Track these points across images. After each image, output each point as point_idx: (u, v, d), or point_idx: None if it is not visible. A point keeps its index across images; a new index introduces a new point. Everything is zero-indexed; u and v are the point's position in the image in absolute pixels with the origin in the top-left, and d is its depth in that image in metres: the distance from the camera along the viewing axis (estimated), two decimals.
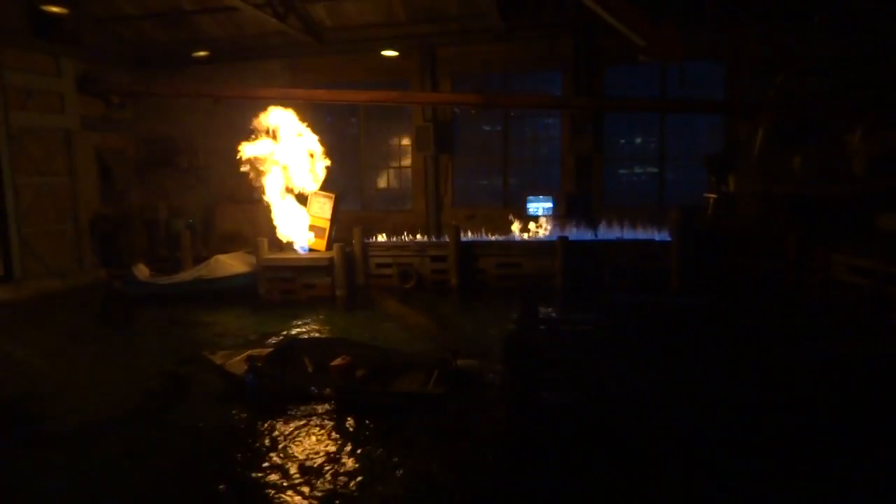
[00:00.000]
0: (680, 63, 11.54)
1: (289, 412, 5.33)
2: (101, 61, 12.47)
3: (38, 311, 9.92)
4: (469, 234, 11.35)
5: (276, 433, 4.96)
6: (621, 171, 12.88)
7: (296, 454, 4.59)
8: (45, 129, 11.10)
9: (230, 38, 12.57)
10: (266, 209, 11.24)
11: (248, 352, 6.86)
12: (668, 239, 10.29)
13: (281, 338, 7.81)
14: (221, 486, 4.24)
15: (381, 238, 11.39)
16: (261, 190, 10.81)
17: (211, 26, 12.30)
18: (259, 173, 10.71)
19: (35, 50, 10.87)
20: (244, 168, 10.60)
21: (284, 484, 4.17)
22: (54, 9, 10.68)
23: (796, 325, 5.26)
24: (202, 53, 12.93)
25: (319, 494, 4.02)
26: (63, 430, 5.18)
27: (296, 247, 10.93)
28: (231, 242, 12.85)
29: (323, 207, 11.03)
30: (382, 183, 13.93)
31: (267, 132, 10.70)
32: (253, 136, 10.65)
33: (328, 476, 4.26)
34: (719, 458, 4.24)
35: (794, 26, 10.24)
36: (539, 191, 12.21)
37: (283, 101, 11.55)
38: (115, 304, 9.84)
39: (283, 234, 10.90)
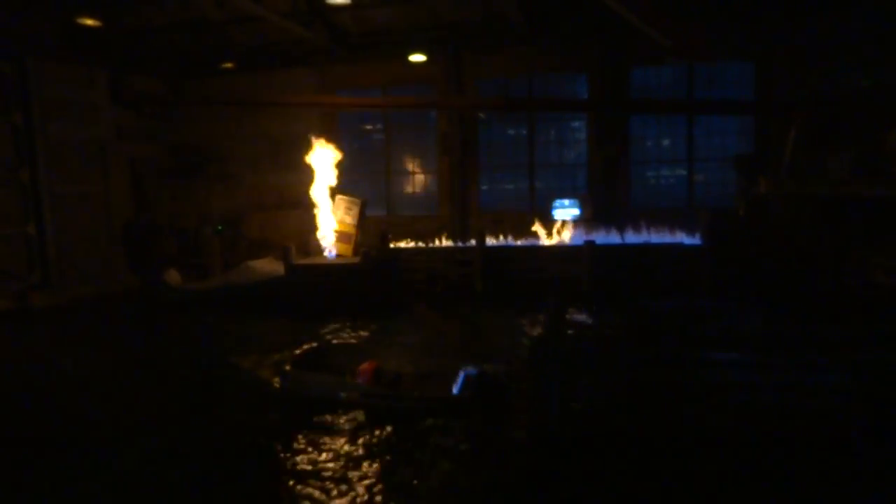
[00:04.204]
0: (708, 62, 11.38)
1: (316, 417, 5.36)
2: (133, 72, 12.77)
3: (73, 317, 10.16)
4: (495, 238, 11.32)
5: (304, 439, 4.98)
6: (649, 174, 12.73)
7: (323, 460, 4.61)
8: (80, 140, 11.39)
9: (257, 46, 12.76)
10: (293, 216, 11.37)
11: (277, 356, 6.94)
12: (698, 242, 10.12)
13: (309, 343, 7.86)
14: (246, 495, 4.26)
15: (407, 243, 11.41)
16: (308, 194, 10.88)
17: (238, 36, 12.50)
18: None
19: (70, 62, 11.17)
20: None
21: (313, 493, 4.18)
22: (89, 21, 10.96)
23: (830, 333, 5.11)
24: (229, 65, 13.18)
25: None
26: (93, 431, 5.28)
27: (325, 252, 11.02)
28: (259, 249, 13.03)
29: (349, 212, 11.10)
30: (408, 188, 13.98)
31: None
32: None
33: (355, 483, 4.26)
34: (750, 464, 4.14)
35: (827, 21, 10.01)
36: (565, 194, 12.13)
37: (310, 108, 11.71)
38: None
39: (321, 238, 10.98)
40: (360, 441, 4.90)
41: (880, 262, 8.03)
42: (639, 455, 4.38)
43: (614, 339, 4.99)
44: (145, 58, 12.96)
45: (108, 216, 11.98)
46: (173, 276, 11.90)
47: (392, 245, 11.10)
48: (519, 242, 11.25)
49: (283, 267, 10.75)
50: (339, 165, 10.97)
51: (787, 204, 9.77)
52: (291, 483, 4.27)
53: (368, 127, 13.98)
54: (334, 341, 8.14)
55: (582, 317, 8.63)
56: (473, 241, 10.86)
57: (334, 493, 4.10)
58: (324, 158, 10.78)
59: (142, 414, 5.73)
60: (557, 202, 11.84)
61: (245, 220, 13.93)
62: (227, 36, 12.58)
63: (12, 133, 10.34)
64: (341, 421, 5.28)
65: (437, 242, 11.54)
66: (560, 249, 10.78)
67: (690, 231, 10.57)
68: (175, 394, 6.34)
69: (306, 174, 10.94)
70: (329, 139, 11.09)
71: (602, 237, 10.87)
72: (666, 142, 12.60)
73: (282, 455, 4.74)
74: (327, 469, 4.43)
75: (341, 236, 11.06)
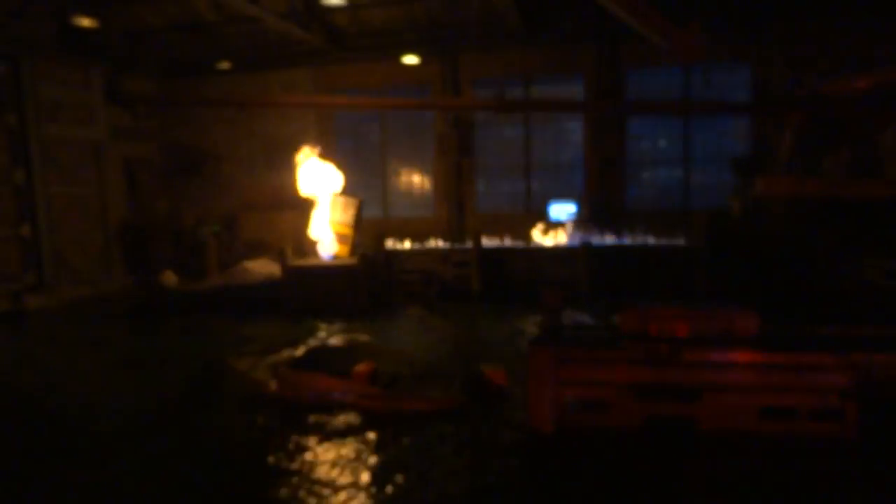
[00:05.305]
0: (704, 63, 11.39)
1: (311, 419, 5.33)
2: (128, 72, 12.73)
3: (68, 318, 10.11)
4: (492, 239, 11.31)
5: (299, 442, 4.96)
6: (645, 175, 12.75)
7: (318, 464, 4.58)
8: (75, 140, 11.35)
9: (253, 47, 12.75)
10: (289, 217, 11.35)
11: (273, 358, 6.91)
12: (695, 243, 10.12)
13: (305, 344, 7.84)
14: (241, 497, 4.23)
15: (404, 244, 11.39)
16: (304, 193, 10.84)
17: (234, 36, 12.49)
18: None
19: (65, 62, 11.13)
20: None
21: (309, 495, 4.16)
22: (85, 22, 10.92)
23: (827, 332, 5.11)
24: (224, 66, 13.15)
25: None
26: (87, 434, 5.25)
27: (321, 253, 10.99)
28: (255, 250, 13.00)
29: (346, 213, 11.08)
30: (405, 189, 13.97)
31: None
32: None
33: (350, 486, 4.24)
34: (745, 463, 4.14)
35: (824, 22, 10.04)
36: (562, 195, 12.14)
37: (306, 108, 11.71)
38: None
39: (315, 239, 10.95)
40: (357, 443, 4.88)
41: (877, 262, 8.04)
42: (636, 455, 4.37)
43: (611, 340, 4.98)
44: (141, 58, 12.92)
45: (103, 217, 11.93)
46: (169, 278, 11.86)
47: (389, 246, 11.08)
48: (515, 243, 11.25)
49: (279, 268, 10.71)
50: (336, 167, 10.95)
51: (784, 205, 9.79)
52: (286, 485, 4.24)
53: (365, 128, 13.96)
54: (330, 342, 8.11)
55: (579, 317, 8.62)
56: (470, 242, 10.85)
57: (329, 495, 4.08)
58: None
59: (136, 415, 5.70)
60: (554, 203, 11.85)
61: (241, 221, 13.89)
62: (223, 36, 12.56)
63: (6, 133, 10.29)
64: (337, 423, 5.25)
65: (433, 243, 11.53)
66: (557, 250, 10.78)
67: (687, 232, 10.59)
68: (170, 395, 6.30)
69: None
70: (325, 140, 11.07)
71: (599, 238, 10.87)
72: (662, 143, 12.62)
73: (276, 457, 4.71)
74: (323, 471, 4.41)
75: (338, 237, 11.03)
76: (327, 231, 10.98)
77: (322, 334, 8.57)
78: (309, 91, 13.27)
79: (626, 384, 4.60)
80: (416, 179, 13.86)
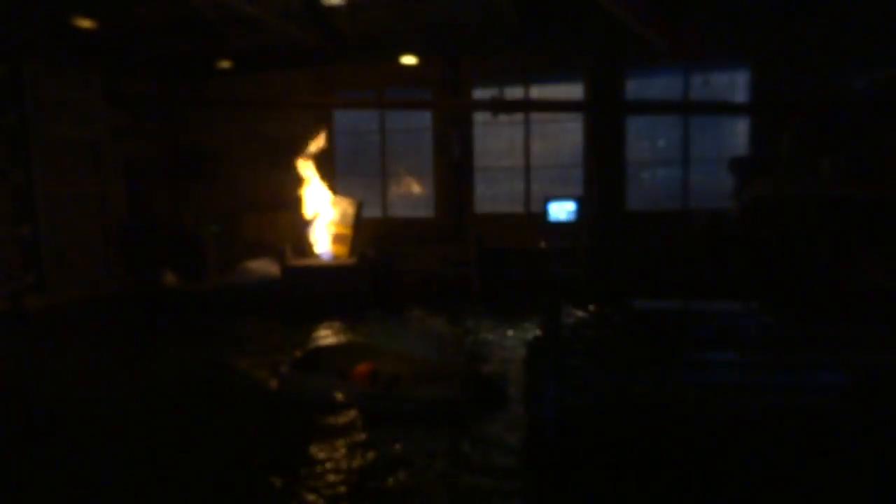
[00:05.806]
0: (703, 63, 11.41)
1: (312, 419, 5.34)
2: (128, 72, 12.73)
3: (68, 319, 10.11)
4: (491, 239, 11.31)
5: (299, 441, 4.97)
6: (644, 175, 12.74)
7: (317, 463, 4.59)
8: (74, 140, 11.34)
9: (253, 48, 12.73)
10: (289, 217, 11.36)
11: (273, 358, 6.91)
12: (694, 243, 10.12)
13: (305, 344, 7.85)
14: (241, 497, 4.24)
15: (404, 245, 11.39)
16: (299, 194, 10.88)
17: (234, 37, 12.46)
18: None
19: (65, 63, 11.13)
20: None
21: (309, 495, 4.16)
22: (84, 23, 10.92)
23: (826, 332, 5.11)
24: (225, 66, 13.14)
25: None
26: (85, 434, 5.25)
27: (320, 254, 11.00)
28: (255, 250, 12.99)
29: (345, 214, 11.09)
30: (404, 190, 13.96)
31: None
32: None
33: (350, 486, 4.24)
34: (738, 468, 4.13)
35: (825, 22, 10.04)
36: (561, 195, 12.13)
37: (305, 109, 11.70)
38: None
39: (317, 240, 10.98)
40: (357, 443, 4.88)
41: (877, 263, 8.04)
42: (635, 457, 4.37)
43: (611, 341, 4.98)
44: (140, 59, 12.91)
45: (103, 217, 11.92)
46: (169, 278, 11.86)
47: (388, 246, 11.08)
48: (514, 243, 11.25)
49: (279, 268, 10.72)
50: (335, 167, 10.96)
51: (784, 205, 9.79)
52: (286, 485, 4.25)
53: (364, 128, 13.95)
54: (331, 343, 8.11)
55: (578, 318, 8.61)
56: (469, 243, 10.86)
57: (329, 494, 4.08)
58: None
59: (136, 415, 5.70)
60: (553, 203, 11.84)
61: (241, 221, 13.89)
62: (223, 37, 12.53)
63: (6, 134, 10.29)
64: (338, 423, 5.26)
65: (433, 244, 11.52)
66: (556, 250, 10.78)
67: (687, 232, 10.58)
68: (170, 395, 6.30)
69: (302, 175, 10.94)
70: (324, 140, 11.09)
71: (598, 238, 10.86)
72: (661, 143, 12.61)
73: (276, 457, 4.72)
74: (323, 471, 4.41)
75: (337, 238, 11.04)
76: (327, 232, 11.00)
77: (322, 334, 8.58)
78: (309, 91, 13.27)
79: None
80: (416, 180, 13.85)
